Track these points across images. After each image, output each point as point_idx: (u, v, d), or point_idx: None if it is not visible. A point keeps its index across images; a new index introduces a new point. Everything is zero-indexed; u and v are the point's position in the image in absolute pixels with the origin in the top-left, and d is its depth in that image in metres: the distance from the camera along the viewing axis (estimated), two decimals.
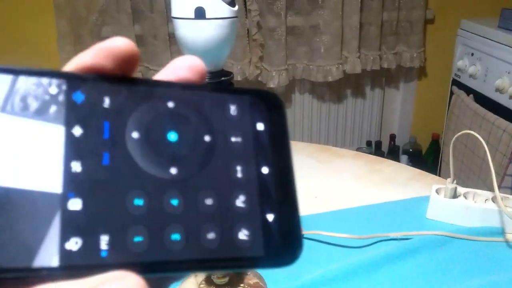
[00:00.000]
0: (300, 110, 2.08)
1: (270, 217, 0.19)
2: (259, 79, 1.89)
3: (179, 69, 0.20)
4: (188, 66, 0.20)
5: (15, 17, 1.80)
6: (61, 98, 0.18)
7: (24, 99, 0.17)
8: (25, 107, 0.17)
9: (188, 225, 0.18)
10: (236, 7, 0.44)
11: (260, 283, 0.59)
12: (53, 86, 0.18)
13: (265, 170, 0.20)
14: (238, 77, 1.85)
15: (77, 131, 0.17)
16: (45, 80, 0.18)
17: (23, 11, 1.79)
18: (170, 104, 0.19)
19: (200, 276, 0.58)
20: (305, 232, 0.70)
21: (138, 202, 0.17)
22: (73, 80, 0.18)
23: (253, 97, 0.21)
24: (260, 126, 0.21)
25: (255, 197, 0.19)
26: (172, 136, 0.19)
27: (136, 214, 0.17)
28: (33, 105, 0.17)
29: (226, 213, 0.19)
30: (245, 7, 1.77)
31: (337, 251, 0.68)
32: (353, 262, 0.63)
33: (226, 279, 0.56)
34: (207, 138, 0.19)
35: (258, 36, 1.80)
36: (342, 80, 1.96)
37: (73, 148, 0.17)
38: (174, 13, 0.44)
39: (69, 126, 0.17)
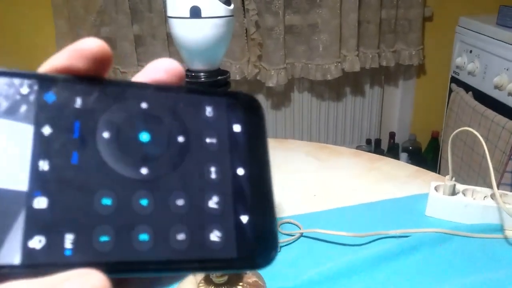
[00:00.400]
0: (299, 108, 2.08)
1: (244, 218, 0.19)
2: (258, 78, 1.89)
3: (156, 71, 0.20)
4: (165, 69, 0.20)
5: (13, 18, 1.80)
6: (32, 98, 0.18)
7: None
8: None
9: (157, 225, 0.18)
10: (232, 6, 0.44)
11: (259, 281, 0.59)
12: (25, 87, 0.18)
13: (240, 171, 0.20)
14: (236, 77, 1.85)
15: (47, 130, 0.17)
16: (17, 81, 0.18)
17: (21, 11, 1.79)
18: (143, 105, 0.19)
19: (199, 276, 0.58)
20: (304, 230, 0.70)
21: (106, 201, 0.17)
22: (45, 81, 0.18)
23: (230, 99, 0.21)
24: (236, 128, 0.21)
25: (228, 198, 0.19)
26: (144, 137, 0.19)
27: (103, 214, 0.17)
28: (3, 104, 0.17)
29: (198, 214, 0.19)
30: (243, 6, 1.77)
31: (336, 249, 0.68)
32: (352, 260, 0.63)
33: (225, 278, 0.56)
34: (180, 139, 0.19)
35: (257, 35, 1.80)
36: (341, 78, 1.96)
37: (42, 147, 0.17)
38: (170, 12, 0.44)
39: (38, 125, 0.17)
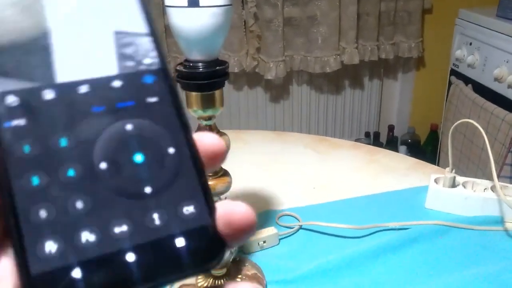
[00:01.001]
0: (298, 101, 2.07)
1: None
2: (257, 70, 1.88)
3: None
4: (206, 144, 0.21)
5: None
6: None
7: None
8: None
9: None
10: (228, 1, 0.43)
11: (258, 274, 0.59)
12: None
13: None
14: (235, 69, 1.84)
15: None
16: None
17: None
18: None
19: None
20: (304, 223, 0.70)
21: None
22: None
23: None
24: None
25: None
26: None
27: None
28: None
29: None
30: None
31: (336, 241, 0.67)
32: (351, 252, 0.63)
33: (224, 270, 0.56)
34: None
35: (255, 28, 1.79)
36: (340, 71, 1.95)
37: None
38: (168, 1, 0.43)
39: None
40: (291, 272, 0.60)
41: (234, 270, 0.58)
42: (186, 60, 0.46)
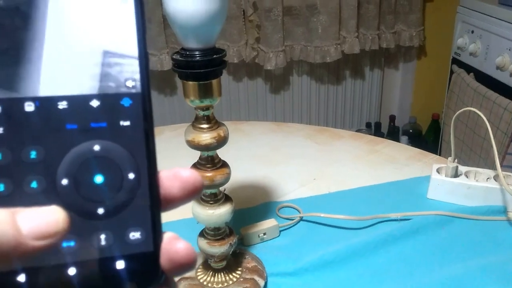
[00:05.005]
0: (298, 92, 2.06)
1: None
2: (256, 61, 1.86)
3: (173, 180, 0.22)
4: (181, 180, 0.22)
5: None
6: None
7: None
8: None
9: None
10: None
11: (258, 266, 0.58)
12: None
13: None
14: (234, 59, 1.82)
15: None
16: None
17: None
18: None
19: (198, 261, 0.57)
20: (305, 214, 0.69)
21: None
22: None
23: None
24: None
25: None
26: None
27: None
28: None
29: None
30: None
31: (337, 232, 0.66)
32: (353, 243, 0.62)
33: (224, 263, 0.55)
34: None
35: (254, 17, 1.77)
36: (340, 60, 1.93)
37: None
38: None
39: None
40: (292, 264, 0.59)
41: (234, 262, 0.57)
42: (182, 49, 0.45)
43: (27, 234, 0.17)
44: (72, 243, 0.19)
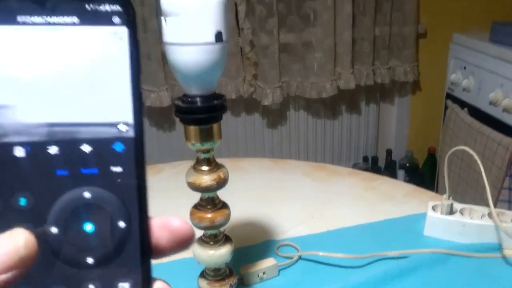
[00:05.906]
0: (295, 127, 2.08)
1: None
2: (254, 96, 1.89)
3: (163, 229, 0.21)
4: (172, 230, 0.21)
5: None
6: None
7: None
8: None
9: None
10: (225, 39, 0.44)
11: None
12: None
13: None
14: (232, 95, 1.85)
15: None
16: None
17: None
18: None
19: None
20: (303, 253, 0.70)
21: None
22: None
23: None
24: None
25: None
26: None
27: None
28: None
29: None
30: (238, 25, 1.78)
31: (336, 271, 0.67)
32: (351, 282, 0.63)
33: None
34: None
35: (252, 54, 1.81)
36: (336, 96, 1.96)
37: None
38: (165, 37, 0.44)
39: None
40: None
41: None
42: (184, 95, 0.47)
43: None
44: None
